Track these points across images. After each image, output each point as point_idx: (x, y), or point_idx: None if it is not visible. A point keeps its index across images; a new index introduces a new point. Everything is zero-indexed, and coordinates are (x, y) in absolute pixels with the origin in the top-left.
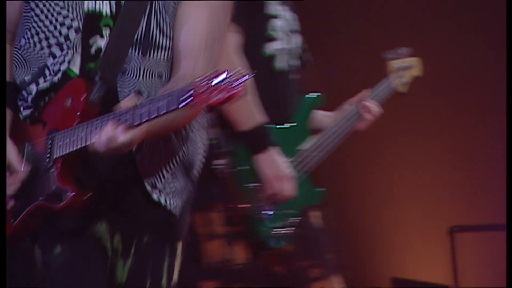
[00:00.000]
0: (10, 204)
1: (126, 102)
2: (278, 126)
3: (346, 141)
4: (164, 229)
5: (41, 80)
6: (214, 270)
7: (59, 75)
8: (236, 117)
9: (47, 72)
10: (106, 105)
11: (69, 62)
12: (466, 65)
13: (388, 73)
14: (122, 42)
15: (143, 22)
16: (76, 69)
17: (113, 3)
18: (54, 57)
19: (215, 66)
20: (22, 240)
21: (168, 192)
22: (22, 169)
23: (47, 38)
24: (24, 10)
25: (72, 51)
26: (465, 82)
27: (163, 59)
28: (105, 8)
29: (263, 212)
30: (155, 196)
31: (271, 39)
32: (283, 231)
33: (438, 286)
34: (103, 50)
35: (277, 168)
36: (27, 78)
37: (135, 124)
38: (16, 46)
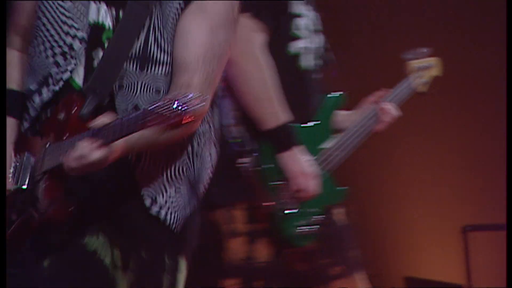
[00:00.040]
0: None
1: (102, 119)
2: (302, 125)
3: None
4: (162, 244)
5: (44, 90)
6: (236, 268)
7: (60, 84)
8: (260, 115)
9: (50, 81)
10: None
11: (71, 71)
12: (485, 62)
13: (407, 73)
14: (116, 57)
15: (142, 37)
16: (79, 80)
17: (115, 16)
18: (58, 66)
19: (212, 83)
20: (15, 250)
21: (170, 206)
22: (8, 184)
23: (52, 47)
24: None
25: (75, 61)
26: (478, 81)
27: (161, 74)
28: (108, 21)
29: (287, 210)
30: (154, 211)
31: (296, 38)
32: (306, 229)
33: (451, 285)
34: (97, 63)
35: (302, 165)
36: (32, 87)
37: (108, 142)
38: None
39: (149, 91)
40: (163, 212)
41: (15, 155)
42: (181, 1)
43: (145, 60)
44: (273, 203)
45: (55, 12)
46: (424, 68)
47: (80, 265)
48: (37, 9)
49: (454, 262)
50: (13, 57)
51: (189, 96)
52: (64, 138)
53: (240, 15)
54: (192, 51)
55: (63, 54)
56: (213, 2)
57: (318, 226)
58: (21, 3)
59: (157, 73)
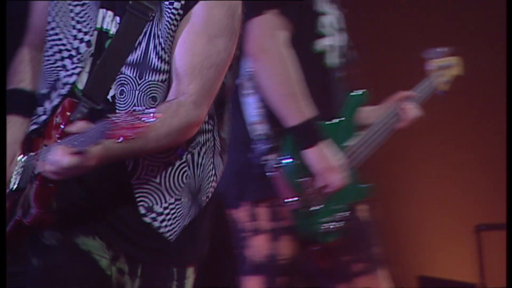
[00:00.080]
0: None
1: (81, 126)
2: (326, 122)
3: None
4: (156, 253)
5: (53, 94)
6: (259, 265)
7: (67, 88)
8: (285, 111)
9: (58, 85)
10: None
11: (78, 74)
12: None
13: (429, 72)
14: (111, 63)
15: (143, 44)
16: (81, 84)
17: (118, 23)
18: (66, 69)
19: (209, 91)
20: (12, 251)
21: (167, 215)
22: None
23: (60, 51)
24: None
25: (82, 64)
26: (491, 81)
27: (159, 82)
28: (112, 27)
29: (311, 207)
30: (148, 219)
31: (321, 35)
32: (331, 226)
33: (465, 285)
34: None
35: (328, 160)
36: (43, 91)
37: (81, 149)
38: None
39: (147, 98)
40: (158, 220)
41: (23, 155)
42: (180, 10)
43: (144, 68)
44: (297, 199)
45: (64, 16)
46: (445, 67)
47: (72, 263)
48: (49, 11)
49: (467, 261)
50: (26, 56)
51: (145, 112)
52: (58, 141)
53: (241, 16)
54: (189, 59)
55: (70, 57)
56: (212, 10)
57: (342, 223)
58: (37, 2)
59: (155, 81)
